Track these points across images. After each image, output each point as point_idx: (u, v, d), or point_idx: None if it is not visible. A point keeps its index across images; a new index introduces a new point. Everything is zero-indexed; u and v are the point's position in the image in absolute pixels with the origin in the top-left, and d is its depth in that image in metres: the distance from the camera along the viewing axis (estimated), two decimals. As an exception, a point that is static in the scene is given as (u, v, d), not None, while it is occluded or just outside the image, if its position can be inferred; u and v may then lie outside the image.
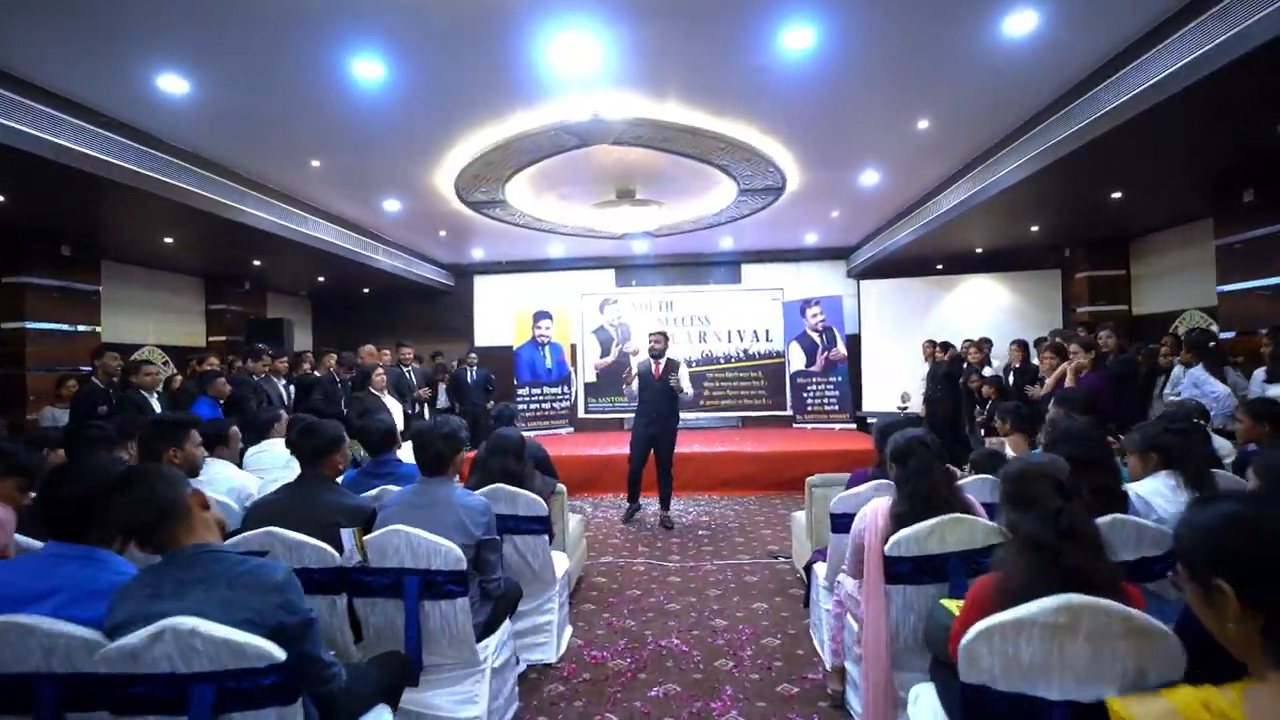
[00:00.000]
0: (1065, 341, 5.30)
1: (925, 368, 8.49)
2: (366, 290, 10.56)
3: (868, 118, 5.11)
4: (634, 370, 6.15)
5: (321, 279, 9.31)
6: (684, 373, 6.18)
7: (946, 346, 7.97)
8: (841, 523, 3.08)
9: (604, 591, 4.46)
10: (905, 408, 8.56)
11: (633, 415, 10.49)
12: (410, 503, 2.49)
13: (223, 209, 5.82)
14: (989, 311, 8.69)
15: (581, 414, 10.63)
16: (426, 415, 7.78)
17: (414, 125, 5.06)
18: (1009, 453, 4.24)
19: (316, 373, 6.98)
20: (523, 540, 3.26)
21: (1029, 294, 8.52)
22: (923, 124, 5.16)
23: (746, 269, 10.66)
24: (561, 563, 3.72)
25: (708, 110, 4.96)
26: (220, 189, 5.75)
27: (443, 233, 8.51)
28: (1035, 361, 6.88)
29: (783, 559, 5.03)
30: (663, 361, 6.17)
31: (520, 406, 10.07)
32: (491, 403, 10.14)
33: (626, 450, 7.96)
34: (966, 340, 7.63)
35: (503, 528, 3.24)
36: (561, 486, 4.21)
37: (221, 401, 5.37)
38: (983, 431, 6.56)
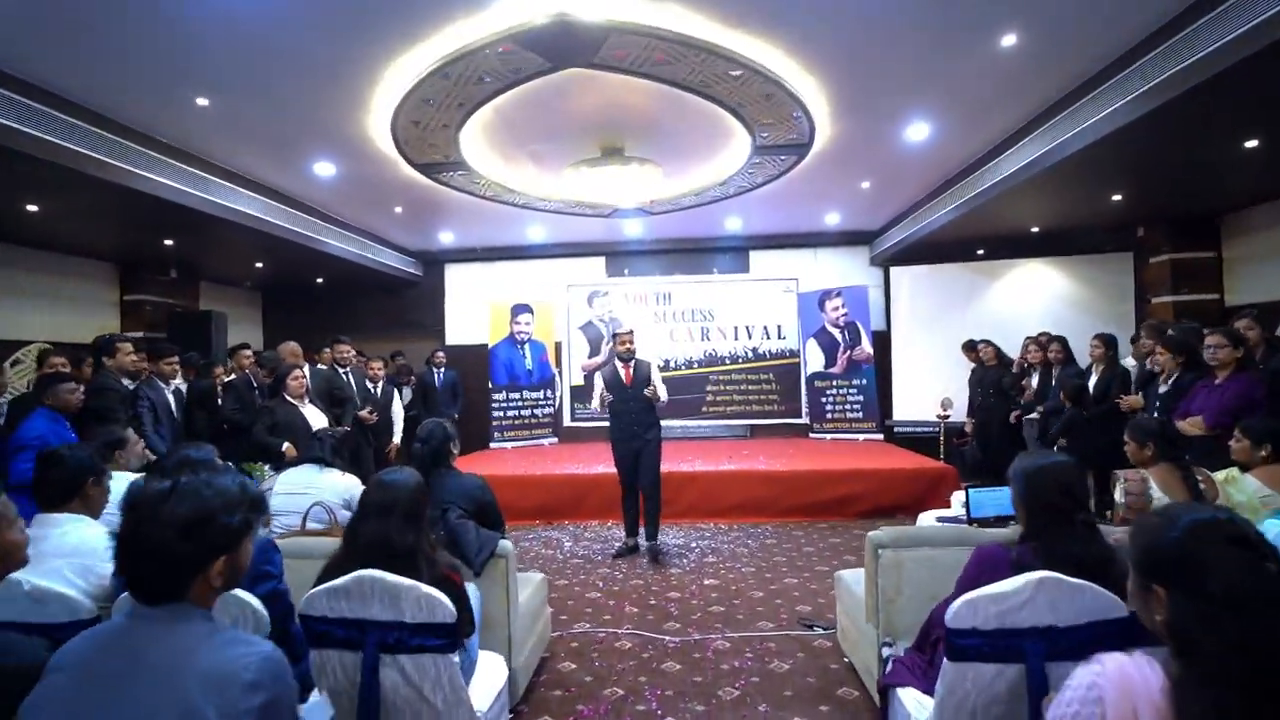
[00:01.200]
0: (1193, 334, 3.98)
1: (969, 369, 7.17)
2: (320, 280, 9.22)
3: (934, 31, 3.78)
4: (599, 381, 5.12)
5: (261, 265, 7.99)
6: (657, 376, 5.07)
7: (982, 345, 6.64)
8: (969, 646, 1.75)
9: (572, 687, 3.12)
10: (946, 416, 7.23)
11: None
12: (87, 673, 1.14)
13: (110, 171, 4.52)
14: (1045, 302, 7.36)
15: (567, 422, 9.30)
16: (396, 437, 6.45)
17: (312, 48, 3.74)
18: (1155, 493, 2.92)
19: (229, 376, 5.65)
20: (413, 663, 1.93)
21: (1093, 282, 7.19)
22: (1008, 40, 3.84)
23: (756, 256, 9.33)
24: (491, 679, 2.39)
25: (720, 15, 3.63)
26: (100, 143, 4.45)
27: (398, 209, 7.18)
28: (1125, 362, 5.58)
29: (819, 629, 3.69)
30: (632, 365, 5.04)
31: (496, 414, 8.76)
32: (455, 415, 8.85)
33: (615, 470, 6.68)
34: (1030, 339, 6.31)
35: (380, 641, 1.93)
36: (507, 545, 2.89)
37: (71, 414, 4.01)
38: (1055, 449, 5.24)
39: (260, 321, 10.14)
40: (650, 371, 5.03)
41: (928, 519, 3.88)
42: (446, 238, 8.79)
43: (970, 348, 6.93)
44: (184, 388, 5.30)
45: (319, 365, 6.35)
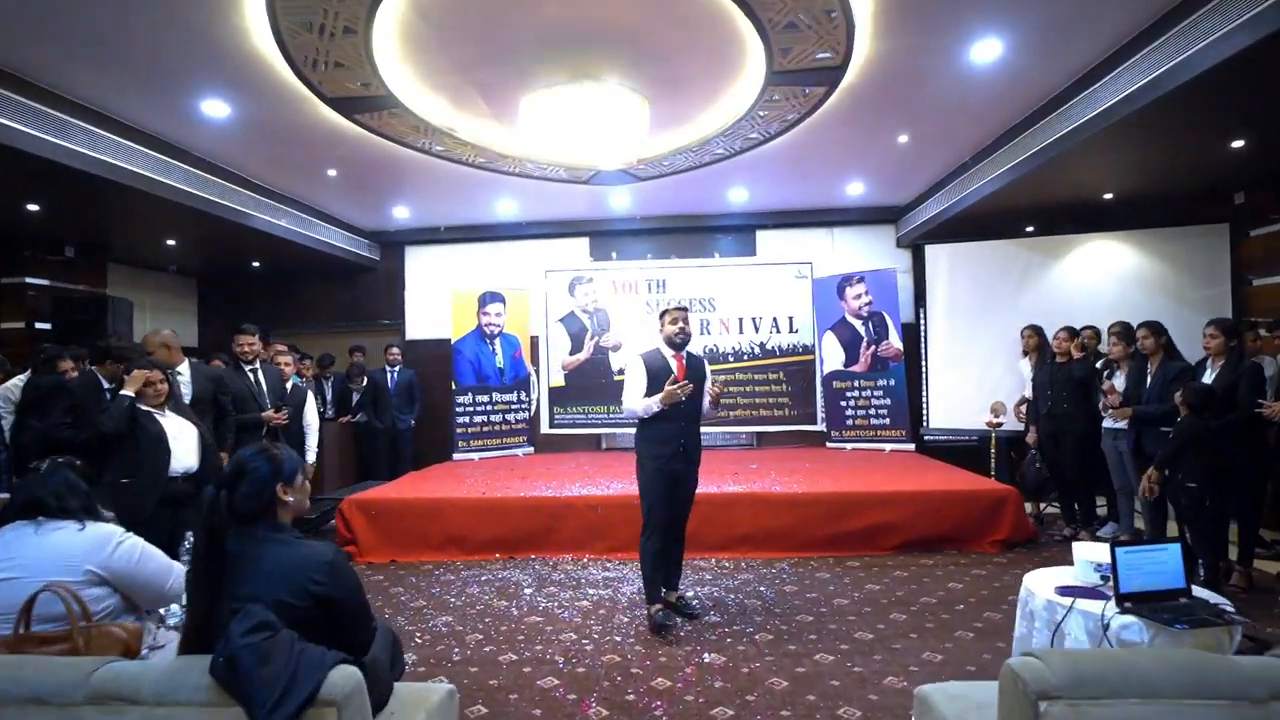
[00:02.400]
0: None
1: (1026, 366, 5.90)
2: (257, 264, 7.94)
3: None
4: (639, 371, 3.64)
5: (174, 243, 6.69)
6: (709, 374, 3.85)
7: (1061, 334, 5.36)
8: None
9: None
10: (999, 424, 5.96)
11: (611, 430, 8.20)
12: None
13: None
14: (1117, 286, 6.05)
15: (545, 429, 8.03)
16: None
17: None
18: None
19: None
20: None
21: (1178, 260, 5.88)
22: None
23: (764, 237, 8.05)
24: None
25: None
26: None
27: (331, 171, 5.90)
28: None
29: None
30: (684, 356, 3.70)
31: (461, 420, 7.48)
32: (412, 421, 7.57)
33: (598, 489, 5.41)
34: (1116, 325, 5.05)
35: None
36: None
37: None
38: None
39: (195, 314, 8.84)
40: (706, 366, 3.80)
41: (1038, 585, 2.60)
42: (402, 213, 7.50)
43: (1036, 335, 5.64)
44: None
45: (214, 363, 5.08)
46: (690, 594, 4.18)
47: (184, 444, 3.56)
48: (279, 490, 1.81)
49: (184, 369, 4.20)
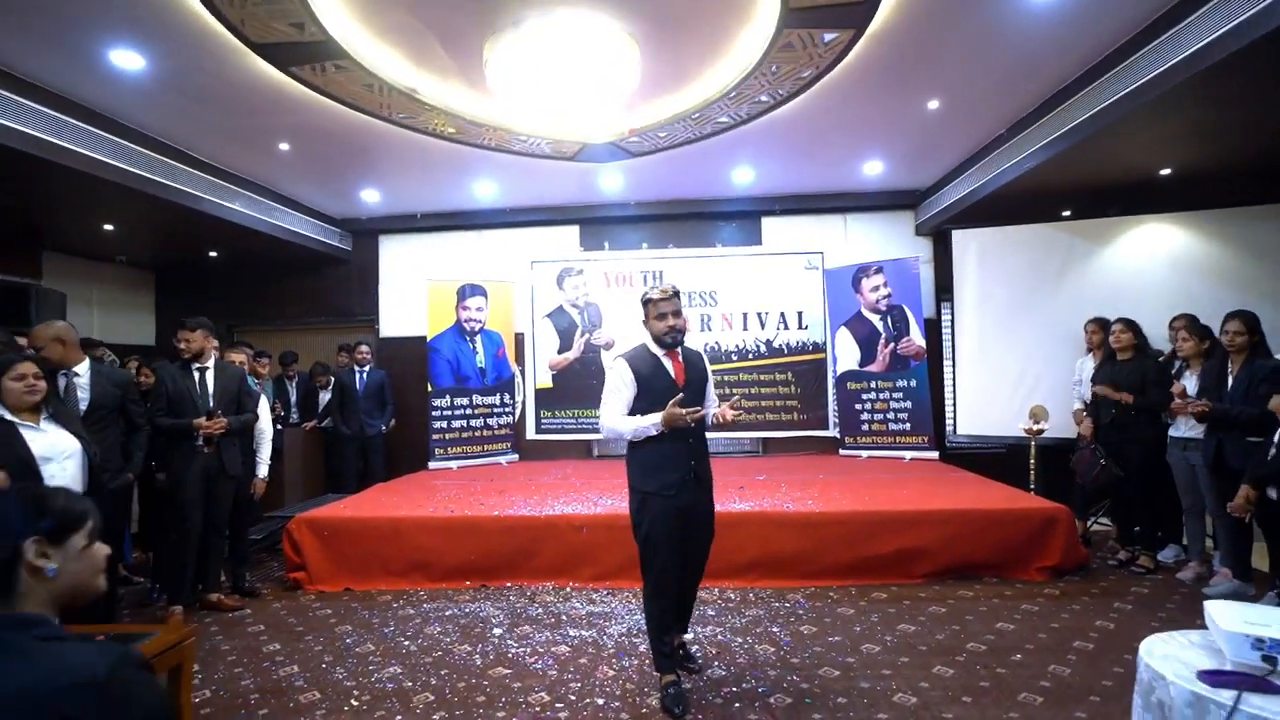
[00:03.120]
0: None
1: (1082, 364, 5.22)
2: (214, 254, 7.25)
3: None
4: (624, 378, 2.85)
5: (110, 228, 5.99)
6: (711, 377, 3.11)
7: (1118, 327, 4.67)
8: None
9: None
10: (1039, 431, 5.26)
11: (596, 437, 7.49)
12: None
13: None
14: (1175, 273, 5.30)
15: (531, 434, 7.33)
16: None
17: None
18: None
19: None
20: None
21: (1244, 245, 5.10)
22: None
23: (770, 225, 7.36)
24: None
25: None
26: None
27: (283, 145, 5.21)
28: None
29: None
30: (680, 354, 2.92)
31: (438, 425, 6.80)
32: (391, 422, 6.89)
33: (584, 507, 4.73)
34: (1182, 318, 4.39)
35: None
36: None
37: None
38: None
39: (152, 310, 8.15)
40: (707, 366, 3.05)
41: (1166, 664, 1.89)
42: (371, 197, 6.81)
43: (1102, 330, 4.94)
44: None
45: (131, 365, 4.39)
46: (690, 636, 3.49)
47: (62, 465, 2.86)
48: (30, 552, 1.12)
49: (82, 369, 3.51)
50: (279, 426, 6.54)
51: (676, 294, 2.88)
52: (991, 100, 4.72)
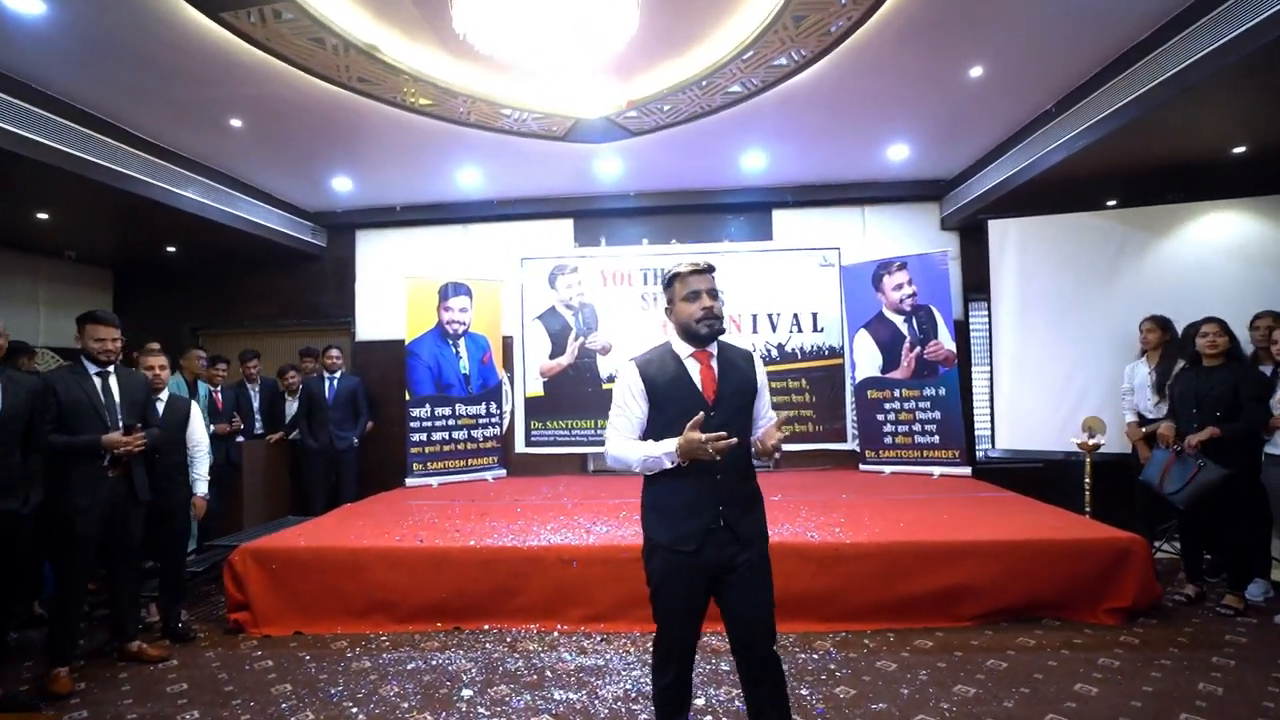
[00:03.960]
0: None
1: (1133, 369, 4.60)
2: (172, 250, 6.61)
3: None
4: (634, 388, 2.17)
5: (45, 216, 5.35)
6: (765, 383, 2.27)
7: (1208, 327, 4.05)
8: None
9: None
10: (1096, 445, 4.62)
11: (600, 449, 6.71)
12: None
13: None
14: (1247, 266, 4.67)
15: (520, 447, 6.68)
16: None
17: None
18: None
19: None
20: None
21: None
22: None
23: (781, 218, 6.74)
24: None
25: None
26: None
27: (235, 121, 4.58)
28: None
29: None
30: (714, 356, 2.18)
31: (417, 437, 6.17)
32: (366, 430, 6.25)
33: (575, 535, 4.09)
34: (1269, 315, 3.79)
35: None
36: None
37: None
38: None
39: (111, 310, 7.48)
40: (757, 372, 2.24)
41: None
42: (344, 186, 6.18)
43: (1160, 329, 4.37)
44: None
45: (34, 367, 3.76)
46: (701, 701, 2.84)
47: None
48: None
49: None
50: (240, 439, 5.94)
51: (711, 270, 2.20)
52: (1043, 67, 4.10)
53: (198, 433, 3.89)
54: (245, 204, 5.97)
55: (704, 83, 4.06)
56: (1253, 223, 4.70)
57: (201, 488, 3.93)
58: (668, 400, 2.13)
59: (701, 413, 2.01)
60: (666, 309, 2.24)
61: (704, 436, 1.95)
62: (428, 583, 3.87)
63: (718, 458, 1.97)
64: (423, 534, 4.22)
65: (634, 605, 3.76)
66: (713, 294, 2.15)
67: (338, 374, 6.07)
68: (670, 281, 2.21)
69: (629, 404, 2.17)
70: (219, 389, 5.64)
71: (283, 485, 6.28)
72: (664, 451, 2.04)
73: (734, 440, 1.96)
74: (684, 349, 2.17)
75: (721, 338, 2.21)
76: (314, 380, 6.07)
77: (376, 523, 4.58)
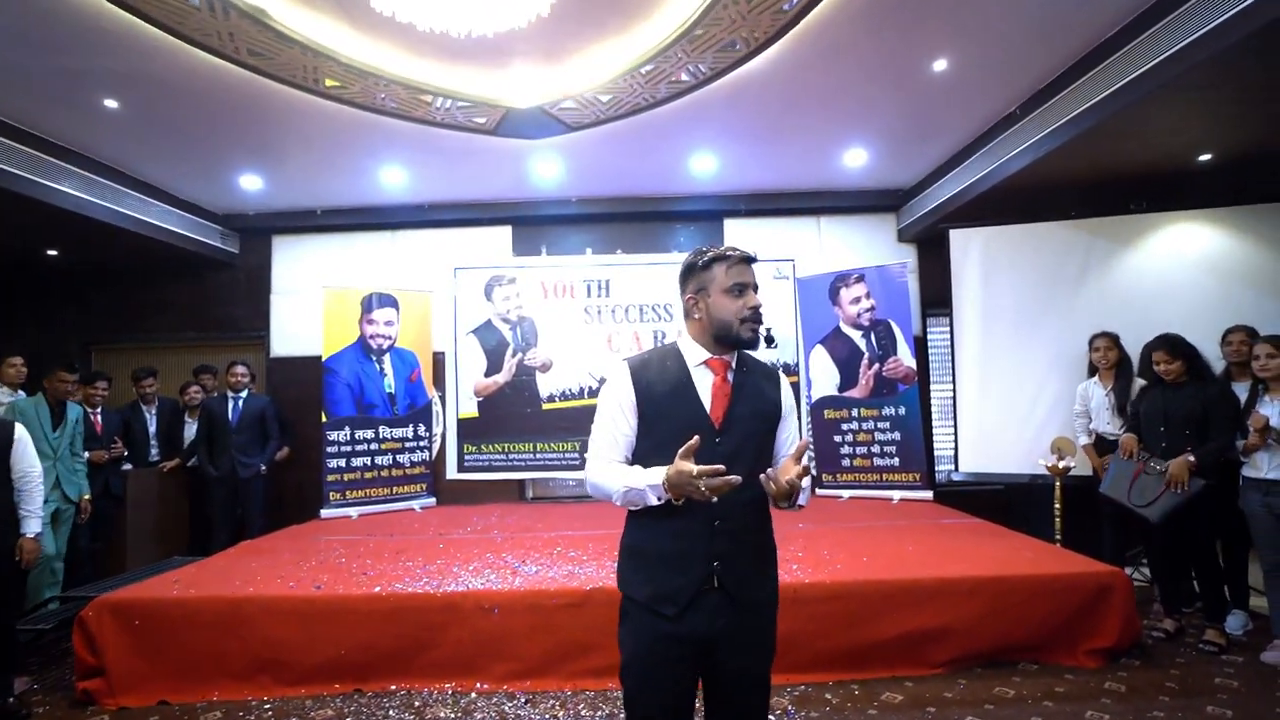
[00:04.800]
0: None
1: (1087, 390, 4.37)
2: (54, 253, 5.89)
3: None
4: (620, 398, 1.71)
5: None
6: (791, 411, 1.81)
7: (1157, 352, 3.80)
8: None
9: None
10: (1067, 468, 4.33)
11: (539, 475, 6.41)
12: None
13: None
14: (1219, 281, 4.45)
15: (451, 474, 6.09)
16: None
17: None
18: None
19: None
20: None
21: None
22: None
23: (733, 227, 6.40)
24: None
25: None
26: None
27: (110, 102, 3.99)
28: None
29: None
30: (731, 368, 1.72)
31: (334, 463, 5.57)
32: (284, 450, 5.63)
33: (498, 578, 3.56)
34: (1240, 330, 3.59)
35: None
36: None
37: None
38: None
39: (-15, 320, 6.68)
40: (782, 395, 1.80)
41: None
42: (253, 185, 5.58)
43: (1117, 347, 4.14)
44: None
45: None
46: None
47: None
48: None
49: None
50: (127, 466, 5.25)
51: (748, 260, 1.75)
52: (1010, 62, 3.85)
53: (23, 461, 3.22)
54: (136, 201, 5.32)
55: (647, 68, 3.66)
56: (1219, 235, 4.52)
57: (33, 526, 3.27)
58: (661, 416, 1.67)
59: (697, 437, 1.52)
60: (690, 301, 1.75)
61: (698, 469, 1.46)
62: (323, 637, 3.31)
63: (713, 499, 1.50)
64: (324, 578, 3.65)
65: (565, 659, 3.28)
66: (756, 289, 1.73)
67: (244, 393, 5.44)
68: (696, 269, 1.74)
69: (615, 418, 1.71)
70: (98, 411, 4.94)
71: (179, 520, 5.58)
72: (649, 483, 1.57)
73: (735, 479, 1.46)
74: (695, 354, 1.72)
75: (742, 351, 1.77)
76: (215, 400, 5.42)
77: (274, 564, 3.98)
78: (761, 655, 1.69)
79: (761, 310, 1.71)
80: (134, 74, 3.65)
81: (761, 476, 1.52)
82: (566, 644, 3.28)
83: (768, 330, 1.76)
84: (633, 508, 1.67)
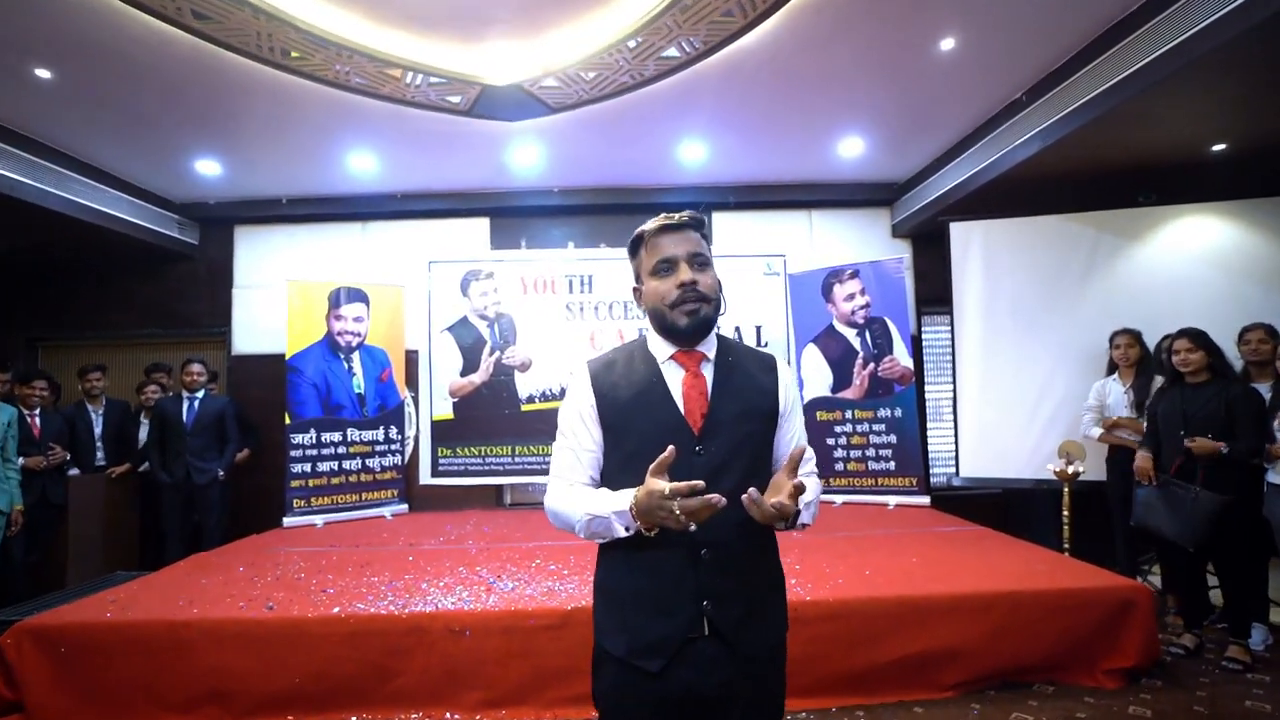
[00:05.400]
0: None
1: (1104, 388, 4.15)
2: (-7, 243, 5.48)
3: None
4: (580, 406, 1.43)
5: None
6: (795, 413, 1.49)
7: (1177, 342, 3.59)
8: None
9: None
10: (1076, 474, 4.11)
11: (519, 480, 5.93)
12: None
13: None
14: (1226, 277, 4.26)
15: (425, 479, 5.76)
16: None
17: None
18: None
19: None
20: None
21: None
22: None
23: (722, 220, 6.14)
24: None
25: None
26: None
27: (42, 72, 3.63)
28: None
29: None
30: (708, 360, 1.42)
31: (299, 468, 5.23)
32: (244, 451, 5.27)
33: (470, 596, 3.28)
34: (1259, 328, 3.39)
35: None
36: None
37: None
38: None
39: (-76, 316, 6.23)
40: (780, 388, 1.46)
41: None
42: (210, 170, 5.22)
43: (1139, 344, 3.94)
44: None
45: None
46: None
47: None
48: None
49: None
50: (73, 471, 4.88)
51: (696, 226, 1.46)
52: (1019, 43, 3.61)
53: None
54: (83, 187, 4.94)
55: (634, 42, 3.38)
56: (1232, 229, 4.33)
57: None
58: (629, 426, 1.38)
59: (672, 448, 1.21)
60: (635, 290, 1.51)
61: (670, 487, 1.16)
62: (276, 664, 2.98)
63: (691, 527, 1.20)
64: (279, 596, 3.32)
65: (543, 685, 2.99)
66: (698, 263, 1.41)
67: (200, 393, 5.07)
68: (634, 248, 1.49)
69: (575, 431, 1.43)
70: (36, 413, 4.56)
71: (128, 530, 5.20)
72: (614, 509, 1.27)
73: (716, 500, 1.15)
74: (663, 349, 1.43)
75: (725, 334, 1.50)
76: (168, 400, 5.05)
77: (226, 580, 3.64)
78: (770, 716, 1.39)
79: (702, 285, 1.39)
80: (66, 38, 3.30)
81: (744, 498, 1.18)
82: (545, 669, 2.98)
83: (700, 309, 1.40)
84: (600, 540, 1.37)
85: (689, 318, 1.37)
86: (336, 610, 3.10)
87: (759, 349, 1.56)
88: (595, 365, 1.46)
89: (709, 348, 1.43)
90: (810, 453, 1.41)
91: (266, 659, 2.98)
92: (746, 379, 1.43)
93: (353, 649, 3.00)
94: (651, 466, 1.20)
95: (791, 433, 1.47)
